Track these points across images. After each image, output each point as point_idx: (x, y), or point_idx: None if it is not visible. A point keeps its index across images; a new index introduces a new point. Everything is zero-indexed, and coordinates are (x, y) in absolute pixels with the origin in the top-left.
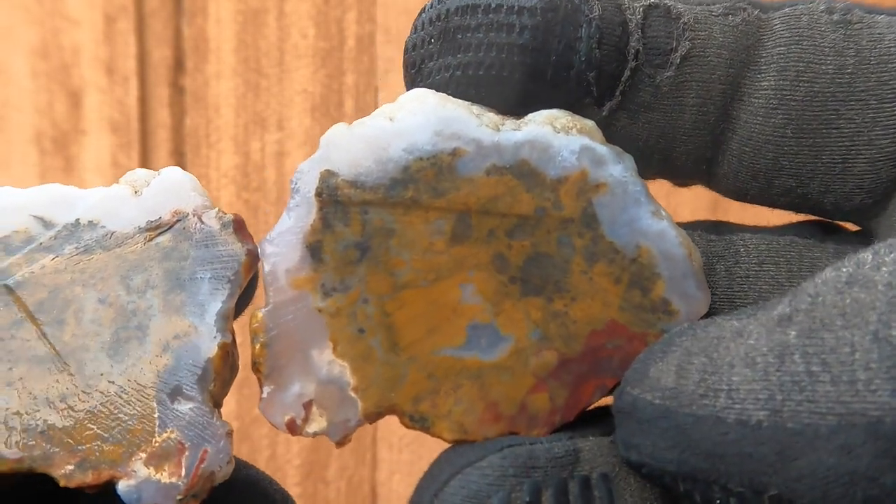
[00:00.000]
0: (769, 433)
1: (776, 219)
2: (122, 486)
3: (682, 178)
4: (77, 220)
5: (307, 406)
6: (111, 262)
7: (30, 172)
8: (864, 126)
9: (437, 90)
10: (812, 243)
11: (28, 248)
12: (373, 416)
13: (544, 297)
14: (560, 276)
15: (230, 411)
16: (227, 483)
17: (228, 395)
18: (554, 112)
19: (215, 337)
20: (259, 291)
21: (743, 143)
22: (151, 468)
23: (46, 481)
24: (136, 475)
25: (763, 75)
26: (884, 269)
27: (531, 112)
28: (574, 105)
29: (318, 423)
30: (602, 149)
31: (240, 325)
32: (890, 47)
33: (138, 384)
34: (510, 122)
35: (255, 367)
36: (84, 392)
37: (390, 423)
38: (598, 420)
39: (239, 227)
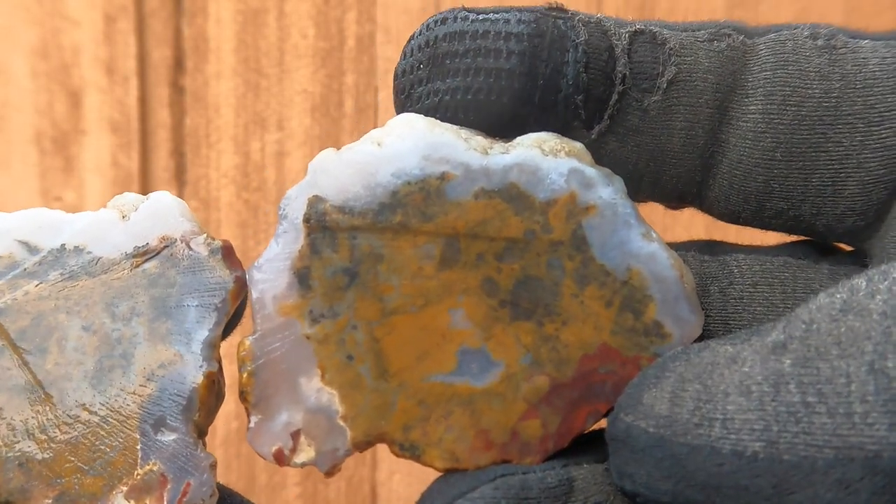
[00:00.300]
0: (765, 465)
1: (770, 239)
2: None
3: (673, 200)
4: (63, 245)
5: (295, 436)
6: (96, 288)
7: (30, 172)
8: (853, 149)
9: (427, 115)
10: (806, 264)
11: (12, 274)
12: (362, 445)
13: (535, 321)
14: (550, 300)
15: (230, 411)
16: None
17: (228, 395)
18: (542, 135)
19: (201, 366)
20: (247, 314)
21: (733, 167)
22: (132, 502)
23: None
24: None
25: (750, 99)
26: (878, 297)
27: (520, 136)
28: (563, 128)
29: (306, 454)
30: (591, 171)
31: (227, 347)
32: (875, 71)
33: (121, 415)
34: (498, 146)
35: (243, 396)
36: (65, 423)
37: None
38: (592, 446)
39: (227, 253)
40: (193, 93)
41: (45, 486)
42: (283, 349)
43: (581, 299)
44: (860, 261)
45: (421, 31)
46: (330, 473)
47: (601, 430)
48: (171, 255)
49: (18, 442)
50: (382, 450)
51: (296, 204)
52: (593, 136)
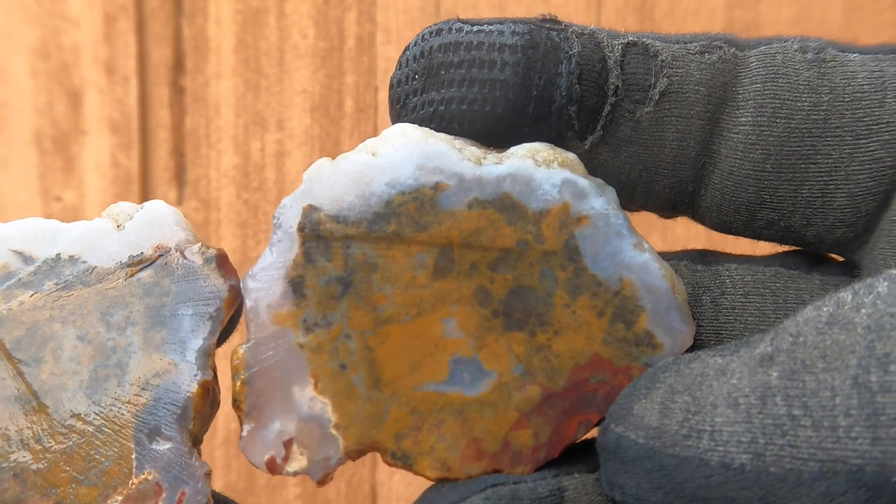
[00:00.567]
0: (752, 477)
1: (763, 248)
2: None
3: (665, 210)
4: (58, 254)
5: (287, 444)
6: (91, 298)
7: (30, 172)
8: (842, 161)
9: (422, 125)
10: (798, 274)
11: (7, 284)
12: (354, 454)
13: (527, 331)
14: (543, 310)
15: (230, 411)
16: None
17: (227, 396)
18: (536, 145)
19: (196, 375)
20: (242, 323)
21: (724, 178)
22: None
23: None
24: None
25: (741, 111)
26: (863, 310)
27: (514, 146)
28: (556, 139)
29: (298, 463)
30: (584, 181)
31: (222, 354)
32: (863, 85)
33: (116, 424)
34: (492, 156)
35: (236, 404)
36: (60, 433)
37: None
38: (583, 456)
39: (222, 262)
40: (193, 93)
41: (41, 496)
42: (277, 358)
43: (573, 309)
44: (851, 271)
45: (416, 41)
46: (322, 482)
47: (592, 440)
48: (166, 263)
49: (13, 452)
50: None
51: (290, 213)
52: (586, 147)
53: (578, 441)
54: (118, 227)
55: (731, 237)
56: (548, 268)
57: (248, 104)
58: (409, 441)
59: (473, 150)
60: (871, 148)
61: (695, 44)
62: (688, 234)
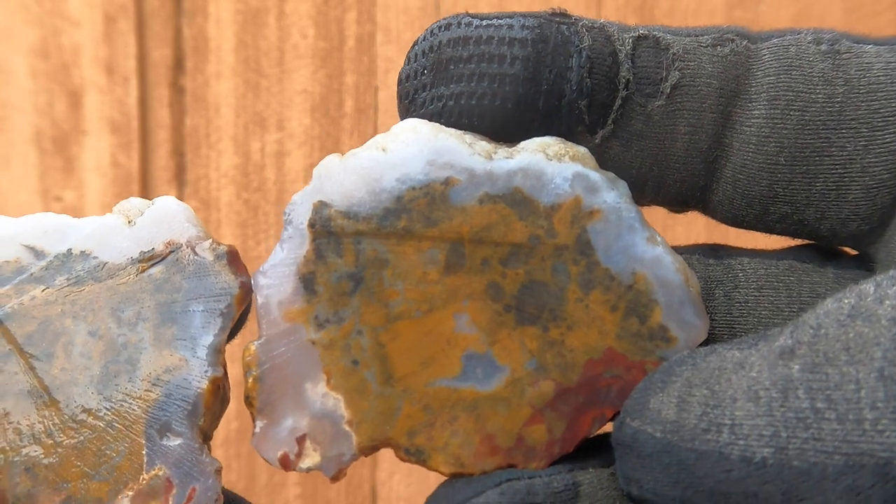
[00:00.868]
0: (774, 472)
1: (774, 243)
2: None
3: (677, 205)
4: (69, 250)
5: (300, 441)
6: (102, 293)
7: (30, 172)
8: (857, 154)
9: (431, 120)
10: (811, 268)
11: (18, 279)
12: (367, 450)
13: (540, 326)
14: (555, 304)
15: (230, 411)
16: None
17: (235, 392)
18: (546, 139)
19: (206, 371)
20: (252, 318)
21: (737, 171)
22: None
23: None
24: None
25: (754, 104)
26: (887, 302)
27: (524, 141)
28: (567, 134)
29: (311, 459)
30: (595, 175)
31: (231, 351)
32: (878, 76)
33: (127, 420)
34: (503, 151)
35: (248, 401)
36: (71, 428)
37: None
38: (597, 450)
39: (233, 258)
40: (193, 93)
41: (52, 490)
42: (289, 354)
43: (586, 304)
44: (865, 265)
45: (424, 36)
46: (336, 478)
47: (607, 435)
48: (177, 260)
49: (25, 446)
50: (383, 450)
51: (301, 209)
52: (597, 141)
53: (592, 436)
54: (129, 222)
55: (731, 233)
56: (560, 262)
57: (248, 104)
58: (423, 437)
59: (484, 145)
60: (888, 140)
61: (706, 37)
62: (688, 234)
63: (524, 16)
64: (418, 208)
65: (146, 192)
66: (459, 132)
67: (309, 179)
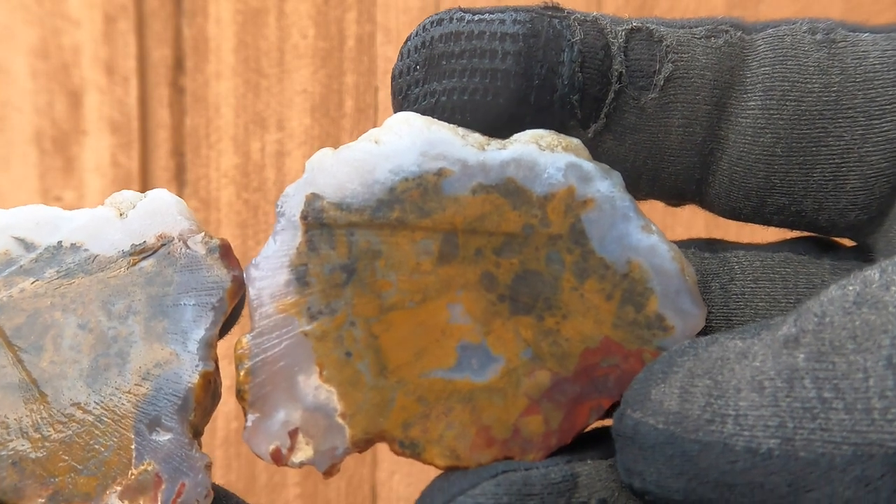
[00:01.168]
0: (781, 463)
1: (771, 235)
2: None
3: (673, 198)
4: (59, 242)
5: (293, 434)
6: (93, 286)
7: (30, 172)
8: (854, 143)
9: (424, 115)
10: (808, 259)
11: (8, 271)
12: (361, 444)
13: (535, 316)
14: (550, 294)
15: (230, 410)
16: None
17: (227, 395)
18: (539, 131)
19: (197, 366)
20: (246, 313)
21: (733, 163)
22: (126, 502)
23: None
24: None
25: (749, 95)
26: (893, 288)
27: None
28: (559, 128)
29: (304, 453)
30: (588, 165)
31: (225, 348)
32: (875, 64)
33: (116, 414)
34: (495, 142)
35: (240, 394)
36: (59, 422)
37: None
38: (596, 442)
39: (225, 252)
40: (193, 93)
41: (39, 485)
42: (281, 346)
43: (581, 292)
44: (863, 256)
45: (417, 32)
46: (329, 473)
47: (605, 427)
48: (169, 253)
49: (12, 440)
50: (382, 450)
51: (293, 201)
52: (590, 136)
53: (590, 428)
54: (121, 215)
55: (732, 227)
56: (554, 251)
57: (248, 104)
58: (417, 429)
59: (477, 137)
60: (885, 128)
61: (700, 28)
62: (688, 234)
63: (516, 10)
64: (411, 199)
65: (146, 192)
66: (452, 125)
67: None
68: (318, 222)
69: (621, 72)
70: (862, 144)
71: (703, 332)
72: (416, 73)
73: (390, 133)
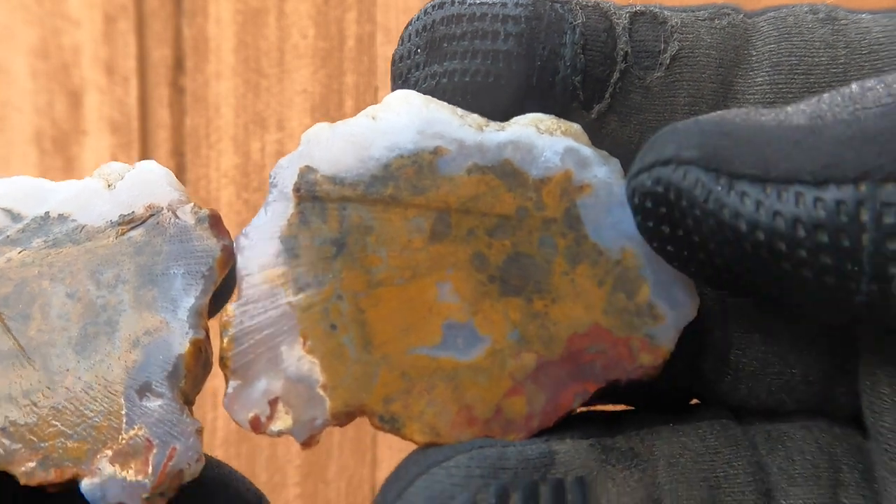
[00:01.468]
0: (806, 132)
1: None
2: (86, 485)
3: None
4: (47, 213)
5: (273, 403)
6: (81, 256)
7: (30, 172)
8: None
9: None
10: None
11: None
12: (341, 416)
13: (524, 298)
14: (541, 277)
15: None
16: (199, 483)
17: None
18: (539, 115)
19: (187, 333)
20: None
21: None
22: (117, 466)
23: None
24: (100, 473)
25: (756, 72)
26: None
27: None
28: (562, 111)
29: (283, 422)
30: (587, 150)
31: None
32: (879, 38)
33: (106, 380)
34: (494, 125)
35: (223, 362)
36: (48, 388)
37: None
38: (578, 423)
39: (215, 222)
40: (193, 93)
41: (28, 450)
42: (266, 316)
43: (572, 277)
44: None
45: (419, 16)
46: (307, 444)
47: (588, 412)
48: (158, 223)
49: (1, 407)
50: (382, 450)
51: (286, 173)
52: (593, 117)
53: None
54: (109, 186)
55: None
56: (547, 235)
57: (248, 104)
58: (398, 405)
59: (475, 118)
60: None
61: (703, 11)
62: None
63: None
64: (406, 176)
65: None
66: (451, 106)
67: None
68: (311, 195)
69: (626, 51)
70: None
71: (699, 334)
72: (416, 57)
73: (388, 110)
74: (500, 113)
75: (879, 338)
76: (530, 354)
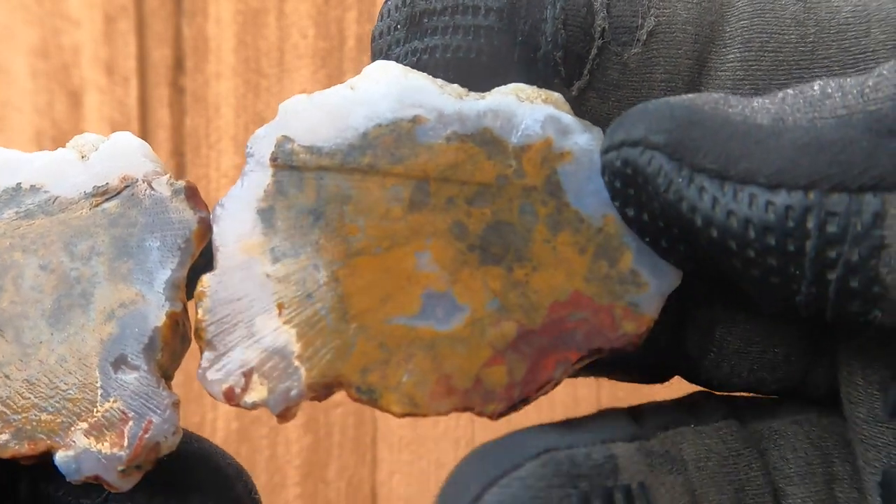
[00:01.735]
0: (767, 133)
1: None
2: (60, 457)
3: None
4: (19, 184)
5: (247, 374)
6: (54, 227)
7: None
8: None
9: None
10: None
11: None
12: (318, 388)
13: (504, 267)
14: (521, 245)
15: (229, 411)
16: (178, 457)
17: None
18: (520, 85)
19: (164, 305)
20: None
21: None
22: (92, 438)
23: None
24: (74, 446)
25: (728, 49)
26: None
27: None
28: (543, 86)
29: (257, 393)
30: (568, 118)
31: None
32: (847, 17)
33: (80, 353)
34: (475, 94)
35: (197, 332)
36: (21, 360)
37: (390, 422)
38: (603, 420)
39: (191, 194)
40: (193, 93)
41: (1, 422)
42: (243, 286)
43: (553, 245)
44: None
45: None
46: (283, 417)
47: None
48: (133, 195)
49: None
50: (382, 449)
51: (263, 143)
52: (574, 93)
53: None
54: (83, 157)
55: None
56: (528, 203)
57: (248, 104)
58: (376, 375)
59: (455, 88)
60: None
61: None
62: None
63: None
64: (384, 145)
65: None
66: (430, 77)
67: None
68: (288, 165)
69: (604, 27)
70: None
71: (685, 310)
72: (396, 33)
73: (367, 80)
74: (482, 89)
75: (853, 329)
76: (510, 323)
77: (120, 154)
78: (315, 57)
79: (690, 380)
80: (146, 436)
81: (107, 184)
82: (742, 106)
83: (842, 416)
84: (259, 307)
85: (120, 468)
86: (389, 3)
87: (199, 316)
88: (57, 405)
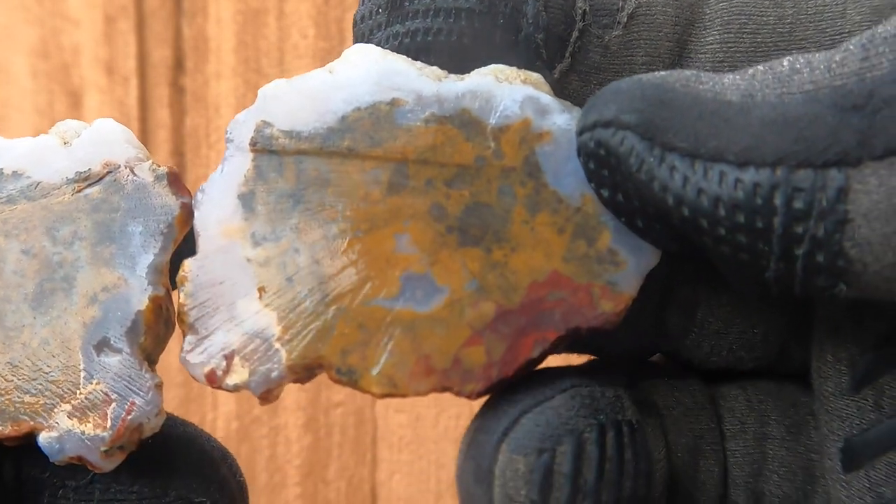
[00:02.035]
0: (736, 110)
1: None
2: (43, 438)
3: None
4: (0, 169)
5: (229, 357)
6: (36, 212)
7: None
8: None
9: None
10: None
11: None
12: (299, 370)
13: (483, 248)
14: (500, 226)
15: (229, 411)
16: (163, 439)
17: (223, 394)
18: (500, 66)
19: (146, 289)
20: None
21: None
22: (75, 420)
23: None
24: (58, 427)
25: (708, 31)
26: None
27: None
28: (525, 69)
29: (239, 375)
30: (547, 98)
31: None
32: None
33: (63, 336)
34: (454, 76)
35: (180, 317)
36: (4, 343)
37: (390, 422)
38: (608, 369)
39: (174, 179)
40: (193, 93)
41: None
42: (224, 271)
43: (532, 226)
44: None
45: None
46: (265, 399)
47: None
48: (115, 180)
49: None
50: (382, 449)
51: (243, 128)
52: (556, 76)
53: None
54: (65, 143)
55: None
56: (506, 184)
57: (248, 104)
58: (356, 356)
59: (434, 70)
60: None
61: None
62: None
63: None
64: (363, 128)
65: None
66: (409, 59)
67: None
68: (267, 149)
69: (585, 10)
70: None
71: (667, 290)
72: (378, 17)
73: (346, 63)
74: (464, 72)
75: (829, 307)
76: (489, 304)
77: (102, 140)
78: (315, 57)
79: (670, 359)
80: (129, 417)
81: (89, 169)
82: (713, 83)
83: (802, 388)
84: (240, 291)
85: (103, 449)
86: None
87: (182, 300)
88: (40, 387)
